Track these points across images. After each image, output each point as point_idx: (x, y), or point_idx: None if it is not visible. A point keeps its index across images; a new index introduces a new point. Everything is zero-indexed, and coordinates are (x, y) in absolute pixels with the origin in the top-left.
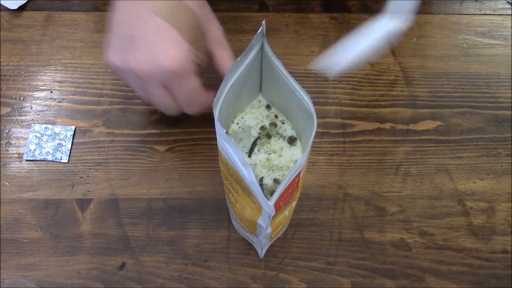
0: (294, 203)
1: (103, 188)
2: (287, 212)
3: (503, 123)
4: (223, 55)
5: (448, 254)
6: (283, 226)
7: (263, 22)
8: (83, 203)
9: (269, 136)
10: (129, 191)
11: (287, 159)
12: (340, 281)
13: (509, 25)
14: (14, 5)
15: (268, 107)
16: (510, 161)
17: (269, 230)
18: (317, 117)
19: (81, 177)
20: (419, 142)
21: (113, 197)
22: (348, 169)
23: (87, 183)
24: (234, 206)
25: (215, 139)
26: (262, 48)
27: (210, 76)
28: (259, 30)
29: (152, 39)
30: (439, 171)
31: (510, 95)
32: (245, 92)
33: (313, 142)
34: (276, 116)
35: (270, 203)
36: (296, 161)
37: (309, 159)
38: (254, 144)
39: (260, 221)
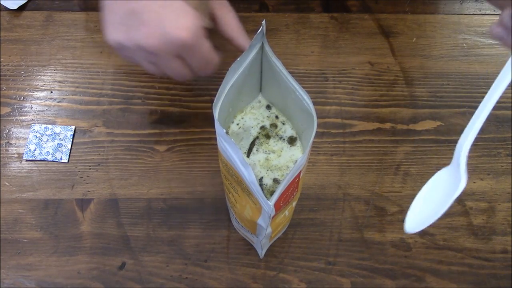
0: (294, 203)
1: (103, 188)
2: (287, 212)
3: (503, 123)
4: (226, 16)
5: (448, 254)
6: (283, 226)
7: (263, 22)
8: (83, 203)
9: (268, 137)
10: (129, 191)
11: (287, 159)
12: (340, 281)
13: None
14: (14, 5)
15: (268, 107)
16: (510, 161)
17: (269, 230)
18: (317, 117)
19: (81, 177)
20: (419, 142)
21: (113, 197)
22: (348, 169)
23: (87, 183)
24: (234, 206)
25: (215, 139)
26: (262, 48)
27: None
28: (259, 30)
29: (158, 11)
30: None
31: (510, 95)
32: (245, 92)
33: (313, 142)
34: (276, 117)
35: (270, 203)
36: (296, 161)
37: (309, 159)
38: (252, 144)
39: (260, 221)
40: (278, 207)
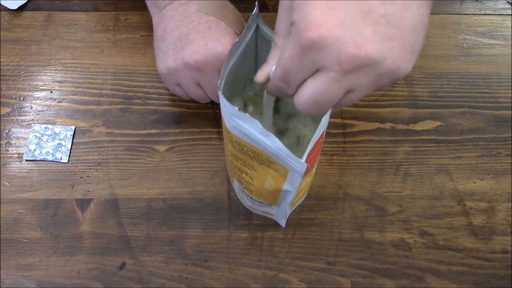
0: (314, 169)
1: (103, 188)
2: (309, 179)
3: (503, 123)
4: None
5: (448, 254)
6: (304, 192)
7: (256, 3)
8: (83, 203)
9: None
10: (129, 191)
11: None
12: (340, 281)
13: (509, 25)
14: (14, 5)
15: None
16: (510, 161)
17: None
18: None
19: (81, 177)
20: (419, 142)
21: (113, 197)
22: (348, 169)
23: (87, 183)
24: (250, 184)
25: (215, 139)
26: (256, 30)
27: None
28: (253, 12)
29: (204, 32)
30: (439, 171)
31: (510, 95)
32: (241, 77)
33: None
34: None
35: (302, 160)
36: (299, 137)
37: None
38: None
39: (287, 186)
40: (306, 167)
